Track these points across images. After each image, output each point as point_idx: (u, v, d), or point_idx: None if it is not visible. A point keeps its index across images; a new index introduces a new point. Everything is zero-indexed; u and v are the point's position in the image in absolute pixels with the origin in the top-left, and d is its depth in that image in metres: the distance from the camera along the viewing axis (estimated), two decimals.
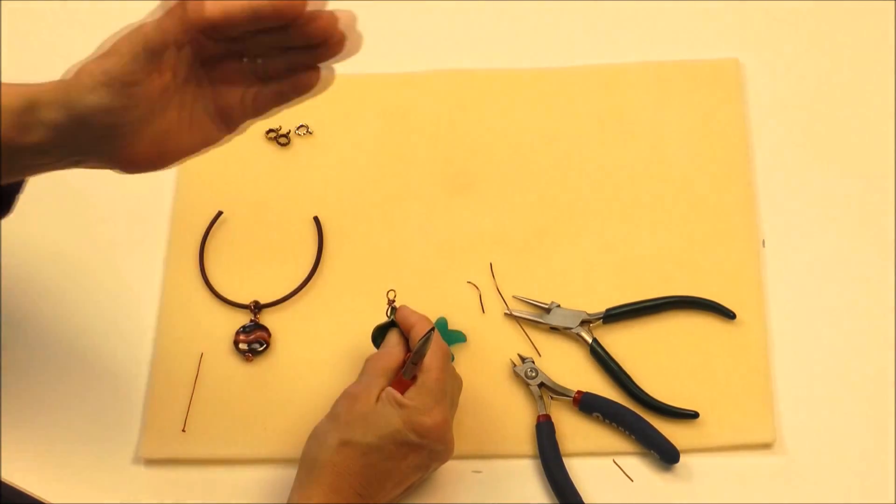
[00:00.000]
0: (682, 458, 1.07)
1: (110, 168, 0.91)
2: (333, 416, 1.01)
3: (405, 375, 1.02)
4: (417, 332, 1.04)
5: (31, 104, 0.88)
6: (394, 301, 1.08)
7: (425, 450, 1.02)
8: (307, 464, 1.00)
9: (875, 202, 1.19)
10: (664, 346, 1.12)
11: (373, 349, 1.08)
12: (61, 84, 0.88)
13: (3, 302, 1.15)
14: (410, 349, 1.04)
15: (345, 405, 1.01)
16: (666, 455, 1.07)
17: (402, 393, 1.01)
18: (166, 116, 0.90)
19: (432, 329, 1.01)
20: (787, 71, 1.26)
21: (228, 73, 0.92)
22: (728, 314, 1.12)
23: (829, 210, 1.19)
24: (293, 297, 1.15)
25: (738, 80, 1.24)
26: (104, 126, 0.88)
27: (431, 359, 1.02)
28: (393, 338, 1.06)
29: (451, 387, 1.04)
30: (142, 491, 1.08)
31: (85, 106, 0.87)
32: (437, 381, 1.02)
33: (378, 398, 1.01)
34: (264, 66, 0.91)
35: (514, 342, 1.13)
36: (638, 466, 1.08)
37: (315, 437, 1.01)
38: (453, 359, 1.11)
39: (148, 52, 0.87)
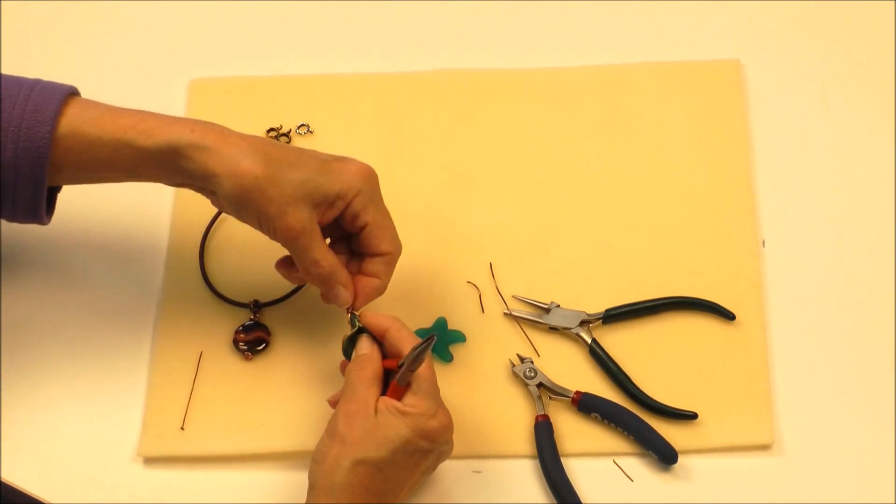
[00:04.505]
0: (681, 458, 1.07)
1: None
2: (337, 437, 0.99)
3: (400, 382, 1.01)
4: (394, 335, 1.03)
5: (175, 151, 1.00)
6: (352, 308, 1.06)
7: (434, 453, 1.01)
8: (323, 490, 0.98)
9: (875, 202, 1.19)
10: (663, 346, 1.12)
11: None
12: (212, 151, 1.00)
13: (3, 301, 1.15)
14: (386, 353, 1.03)
15: (345, 424, 0.99)
16: (664, 456, 1.07)
17: (399, 399, 1.00)
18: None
19: (433, 336, 1.00)
20: (787, 71, 1.26)
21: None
22: (727, 315, 1.12)
23: (829, 210, 1.19)
24: (293, 297, 1.15)
25: (739, 80, 1.24)
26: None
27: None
28: (365, 344, 1.04)
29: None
30: (141, 490, 1.09)
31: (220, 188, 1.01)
32: (432, 383, 1.01)
33: (377, 410, 0.99)
34: None
35: (513, 342, 1.13)
36: (636, 467, 1.08)
37: (322, 460, 0.99)
38: (452, 359, 1.11)
39: None
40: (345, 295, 1.05)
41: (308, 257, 1.03)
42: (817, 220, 1.19)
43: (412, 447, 0.99)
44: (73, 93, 1.03)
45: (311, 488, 0.99)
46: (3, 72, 1.26)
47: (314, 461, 0.99)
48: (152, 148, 1.00)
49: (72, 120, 1.00)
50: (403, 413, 0.99)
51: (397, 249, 1.06)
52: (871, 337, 1.13)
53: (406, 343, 1.02)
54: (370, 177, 1.04)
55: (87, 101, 1.02)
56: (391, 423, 0.99)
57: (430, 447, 1.00)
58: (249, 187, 1.00)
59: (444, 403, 1.02)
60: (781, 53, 1.27)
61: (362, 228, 1.04)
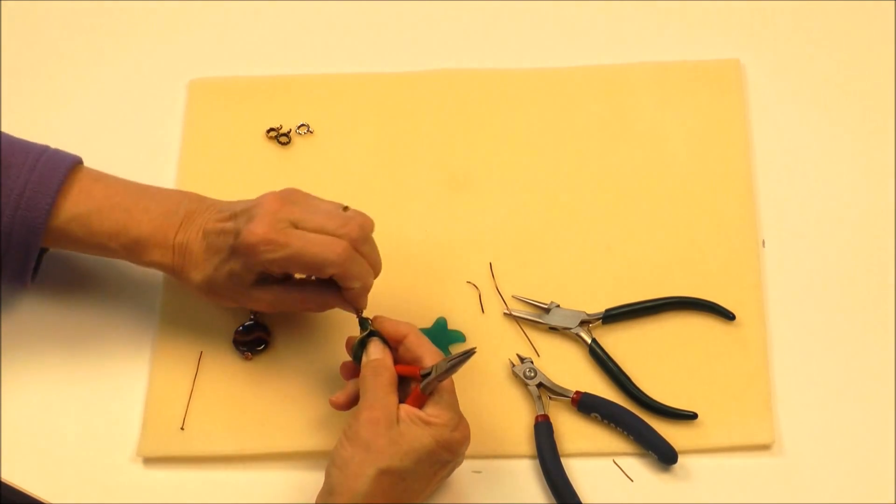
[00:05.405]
0: (681, 458, 1.07)
1: None
2: (360, 443, 0.98)
3: (425, 391, 1.00)
4: (413, 342, 1.02)
5: (144, 242, 1.06)
6: (361, 313, 1.06)
7: (452, 463, 1.02)
8: (345, 496, 0.97)
9: (875, 202, 1.19)
10: (663, 346, 1.12)
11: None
12: (174, 246, 1.07)
13: (2, 301, 1.15)
14: (398, 358, 1.03)
15: (369, 431, 0.98)
16: (664, 456, 1.07)
17: (420, 408, 1.00)
18: None
19: (473, 349, 0.99)
20: (787, 71, 1.26)
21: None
22: (727, 315, 1.12)
23: (829, 210, 1.19)
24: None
25: (739, 80, 1.24)
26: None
27: None
28: (377, 348, 1.03)
29: None
30: (141, 490, 1.08)
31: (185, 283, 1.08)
32: (453, 394, 1.01)
33: (398, 418, 0.99)
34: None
35: (513, 342, 1.13)
36: (636, 467, 1.08)
37: (344, 466, 0.98)
38: None
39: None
40: (348, 310, 1.06)
41: (298, 308, 1.07)
42: (817, 220, 1.19)
43: (434, 458, 0.99)
44: (77, 163, 1.07)
45: (331, 493, 0.98)
46: (4, 72, 1.26)
47: (335, 466, 0.98)
48: (130, 261, 1.08)
49: (65, 213, 1.06)
50: (427, 423, 0.99)
51: (336, 264, 1.01)
52: (871, 337, 1.13)
53: (425, 351, 1.02)
54: (268, 231, 1.01)
55: (84, 186, 1.07)
56: (415, 433, 0.98)
57: (450, 458, 1.00)
58: (213, 298, 1.08)
59: (463, 415, 1.02)
60: (781, 53, 1.27)
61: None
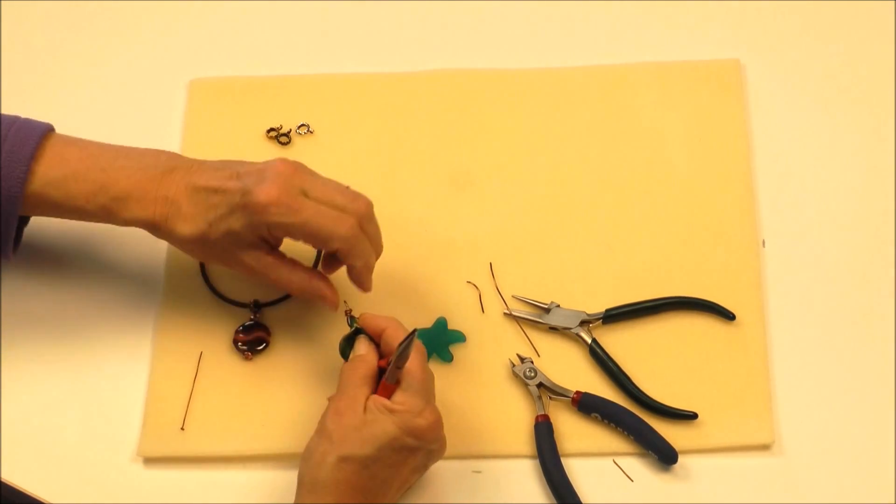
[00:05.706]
0: (681, 458, 1.07)
1: None
2: (325, 433, 0.99)
3: (389, 380, 1.01)
4: (391, 335, 1.03)
5: (122, 199, 1.05)
6: (351, 311, 1.07)
7: (422, 451, 1.01)
8: (308, 486, 0.99)
9: (875, 202, 1.19)
10: (663, 346, 1.12)
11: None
12: (155, 199, 1.05)
13: (2, 301, 1.15)
14: (382, 353, 1.04)
15: (333, 421, 0.99)
16: (664, 456, 1.07)
17: (389, 398, 1.01)
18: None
19: (415, 331, 1.00)
20: (787, 71, 1.26)
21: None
22: (727, 315, 1.13)
23: (829, 210, 1.19)
24: (293, 297, 1.15)
25: (739, 80, 1.24)
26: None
27: (412, 359, 1.01)
28: (362, 345, 1.05)
29: (431, 383, 1.04)
30: (141, 490, 1.09)
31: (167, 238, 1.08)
32: (422, 382, 1.01)
33: (365, 408, 1.00)
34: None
35: (513, 342, 1.13)
36: (636, 467, 1.08)
37: (310, 457, 0.99)
38: (452, 359, 1.12)
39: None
40: (330, 297, 1.07)
41: (276, 283, 1.07)
42: (817, 220, 1.19)
43: (399, 444, 0.99)
44: (49, 130, 1.06)
45: (299, 485, 0.99)
46: (3, 71, 1.26)
47: (302, 459, 1.00)
48: (107, 222, 1.06)
49: (40, 178, 1.04)
50: (391, 410, 0.99)
51: (343, 239, 1.03)
52: (871, 337, 1.13)
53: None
54: (282, 194, 1.02)
55: (57, 150, 1.06)
56: (378, 420, 0.99)
57: (417, 444, 1.00)
58: (198, 254, 1.08)
59: (433, 402, 1.02)
60: (781, 53, 1.27)
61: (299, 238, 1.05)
